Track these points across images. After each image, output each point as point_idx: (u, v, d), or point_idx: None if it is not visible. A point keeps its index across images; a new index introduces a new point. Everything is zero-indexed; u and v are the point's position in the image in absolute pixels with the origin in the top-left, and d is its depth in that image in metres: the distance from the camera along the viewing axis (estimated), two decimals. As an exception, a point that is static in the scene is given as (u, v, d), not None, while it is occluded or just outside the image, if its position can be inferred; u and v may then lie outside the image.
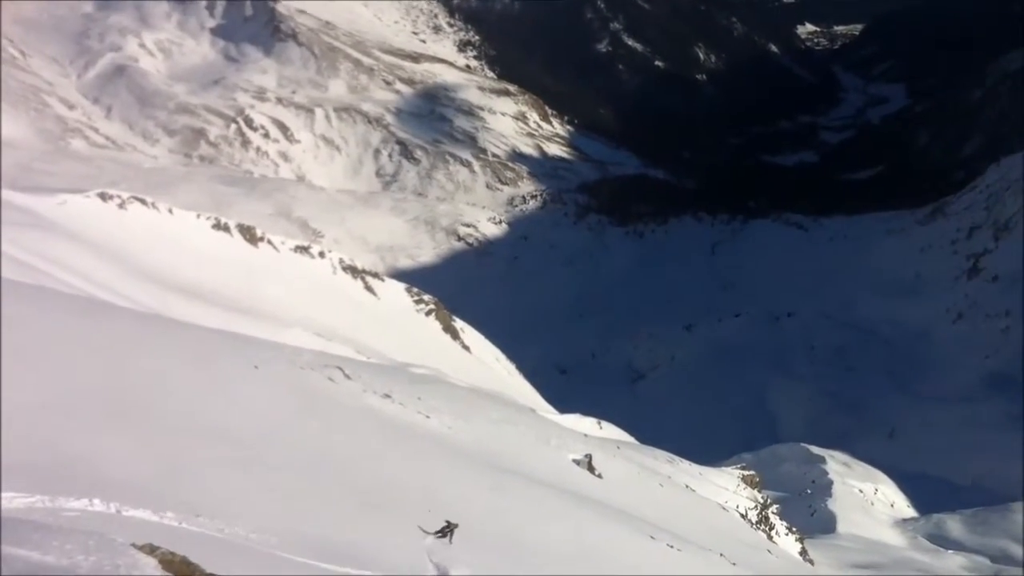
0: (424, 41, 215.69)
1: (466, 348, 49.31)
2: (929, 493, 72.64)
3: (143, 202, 38.00)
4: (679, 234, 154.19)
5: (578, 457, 23.40)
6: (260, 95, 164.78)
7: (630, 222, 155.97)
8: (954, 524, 67.27)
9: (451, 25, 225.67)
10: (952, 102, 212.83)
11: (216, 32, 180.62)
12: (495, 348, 54.47)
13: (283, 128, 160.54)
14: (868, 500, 65.95)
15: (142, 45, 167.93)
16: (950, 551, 60.81)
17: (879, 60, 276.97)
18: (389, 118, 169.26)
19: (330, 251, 48.77)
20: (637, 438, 46.10)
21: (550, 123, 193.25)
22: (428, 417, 18.61)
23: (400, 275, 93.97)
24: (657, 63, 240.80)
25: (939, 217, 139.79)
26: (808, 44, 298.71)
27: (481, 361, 49.42)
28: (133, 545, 5.43)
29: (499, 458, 18.93)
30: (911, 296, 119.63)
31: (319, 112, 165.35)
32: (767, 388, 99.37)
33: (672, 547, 17.80)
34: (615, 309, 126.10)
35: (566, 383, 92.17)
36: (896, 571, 47.67)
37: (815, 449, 70.81)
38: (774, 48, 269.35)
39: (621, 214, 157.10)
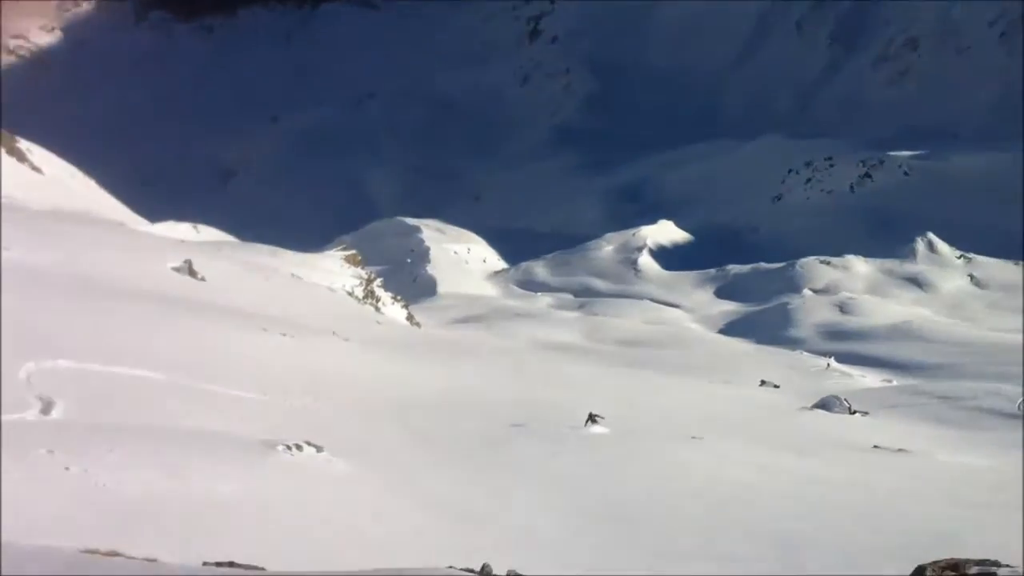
0: None
1: (37, 170, 45.33)
2: (515, 245, 79.10)
3: None
4: (250, 26, 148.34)
5: (177, 264, 23.02)
6: None
7: (195, 17, 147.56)
8: (540, 269, 74.28)
9: None
10: None
11: None
12: (70, 166, 50.57)
13: None
14: (463, 260, 70.67)
15: None
16: (539, 293, 67.41)
17: None
18: None
19: None
20: (237, 236, 45.72)
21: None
22: (9, 249, 17.36)
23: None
24: None
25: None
26: None
27: (57, 181, 45.83)
28: None
29: (94, 280, 18.21)
30: (481, 64, 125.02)
31: None
32: (359, 170, 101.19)
33: (285, 335, 18.38)
34: (194, 110, 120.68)
35: (153, 192, 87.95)
36: (495, 318, 52.18)
37: (410, 220, 74.03)
38: None
39: (186, 9, 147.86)
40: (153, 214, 48.14)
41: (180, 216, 42.84)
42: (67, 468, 7.05)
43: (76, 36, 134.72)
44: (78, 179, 49.76)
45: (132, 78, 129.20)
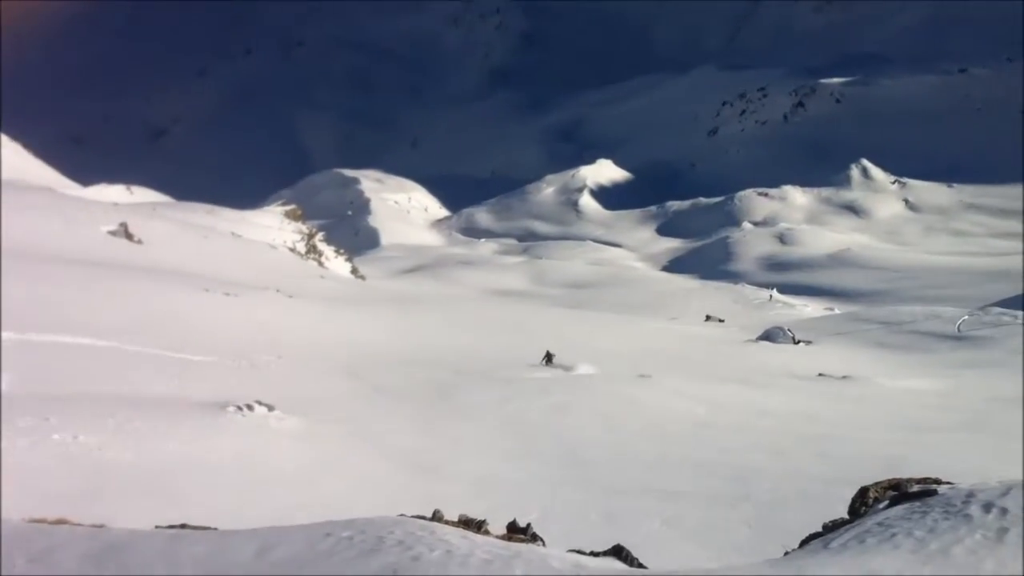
0: None
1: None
2: (456, 191, 78.72)
3: None
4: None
5: (112, 228, 22.61)
6: None
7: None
8: (482, 215, 74.09)
9: None
10: None
11: None
12: (-3, 134, 49.32)
13: None
14: (404, 210, 70.21)
15: None
16: (482, 239, 67.32)
17: None
18: None
19: None
20: (171, 196, 44.95)
21: None
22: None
23: None
24: None
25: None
26: None
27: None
28: None
29: (29, 249, 17.84)
30: (411, 7, 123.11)
31: None
32: (293, 121, 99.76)
33: (228, 295, 18.19)
34: (120, 66, 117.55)
35: (84, 151, 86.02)
36: (440, 267, 52.12)
37: (348, 172, 73.29)
38: None
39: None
40: (85, 175, 47.09)
41: (112, 176, 42.00)
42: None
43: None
44: (8, 148, 48.51)
45: (56, 36, 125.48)
